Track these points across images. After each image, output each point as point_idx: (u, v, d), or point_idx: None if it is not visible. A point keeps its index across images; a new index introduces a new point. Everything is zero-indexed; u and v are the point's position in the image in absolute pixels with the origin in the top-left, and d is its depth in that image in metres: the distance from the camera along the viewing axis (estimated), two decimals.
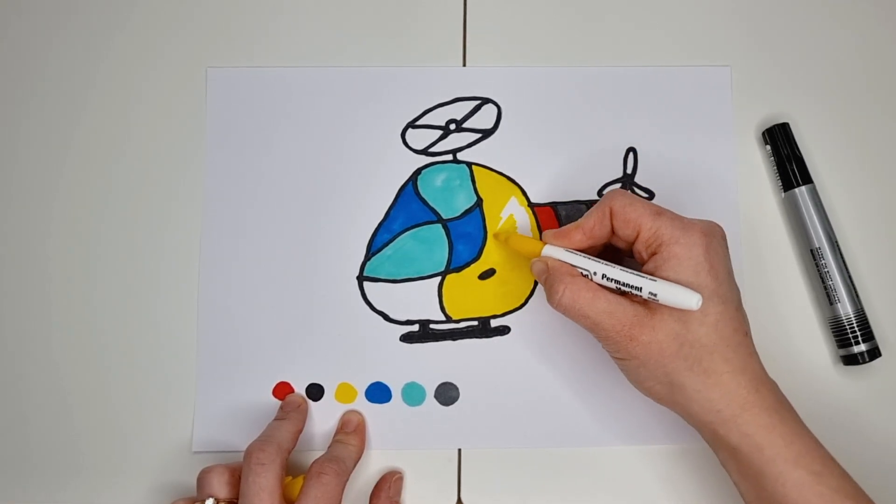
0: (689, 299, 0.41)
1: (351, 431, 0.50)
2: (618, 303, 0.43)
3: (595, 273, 0.44)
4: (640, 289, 0.42)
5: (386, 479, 0.50)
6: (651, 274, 0.43)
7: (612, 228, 0.45)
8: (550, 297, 0.44)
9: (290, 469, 0.50)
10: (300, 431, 0.49)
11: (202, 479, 0.46)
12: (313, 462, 0.46)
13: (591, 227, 0.45)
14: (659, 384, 0.43)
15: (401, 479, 0.51)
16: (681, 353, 0.42)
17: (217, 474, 0.46)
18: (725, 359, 0.42)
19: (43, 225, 0.53)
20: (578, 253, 0.46)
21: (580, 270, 0.45)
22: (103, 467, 0.51)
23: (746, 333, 0.44)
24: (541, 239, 0.47)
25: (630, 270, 0.43)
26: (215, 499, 0.45)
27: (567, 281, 0.44)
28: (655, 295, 0.42)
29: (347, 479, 0.46)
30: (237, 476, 0.46)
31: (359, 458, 0.50)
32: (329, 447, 0.49)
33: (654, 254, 0.44)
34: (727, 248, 0.45)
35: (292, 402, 0.51)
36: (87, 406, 0.52)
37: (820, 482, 0.41)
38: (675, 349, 0.42)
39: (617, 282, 0.43)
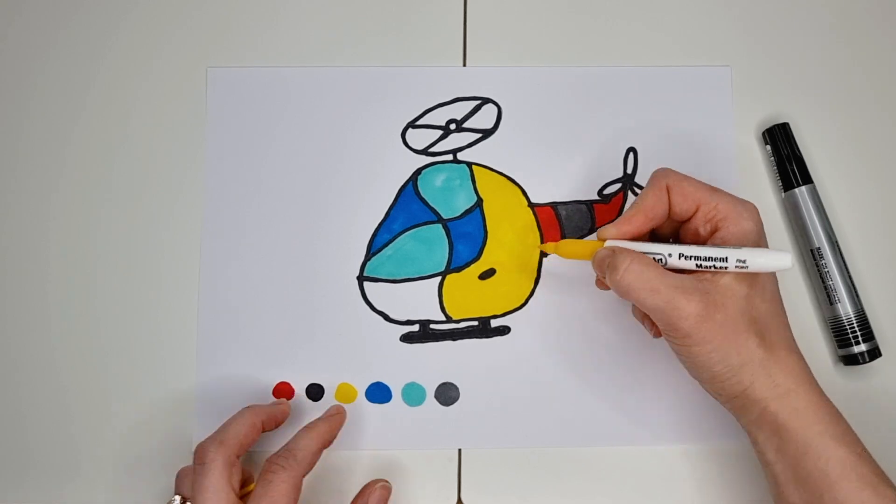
0: (783, 259, 0.41)
1: (323, 419, 0.49)
2: (686, 279, 0.42)
3: (670, 255, 0.43)
4: (725, 259, 0.41)
5: (370, 486, 0.48)
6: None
7: (670, 206, 0.45)
8: (613, 271, 0.43)
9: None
10: (267, 425, 0.48)
11: (177, 477, 0.47)
12: (266, 461, 0.45)
13: (651, 205, 0.44)
14: (727, 367, 0.42)
15: (386, 488, 0.48)
16: (751, 329, 0.42)
17: (186, 474, 0.46)
18: (780, 334, 0.43)
19: (43, 224, 0.53)
20: (642, 243, 0.44)
21: (652, 256, 0.43)
22: (103, 467, 0.51)
23: (785, 312, 0.45)
24: (599, 235, 0.46)
25: (705, 246, 0.42)
26: (182, 497, 0.46)
27: (631, 256, 0.42)
28: (744, 262, 0.41)
29: (303, 473, 0.45)
30: None
31: (320, 446, 0.47)
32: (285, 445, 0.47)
33: (715, 230, 0.44)
34: None
35: (277, 400, 0.51)
36: (87, 405, 0.52)
37: (862, 463, 0.41)
38: (745, 326, 0.42)
39: (698, 258, 0.42)
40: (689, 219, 0.45)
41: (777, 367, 0.42)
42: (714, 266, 0.42)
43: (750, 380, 0.42)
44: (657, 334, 0.48)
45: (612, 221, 0.45)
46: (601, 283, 0.49)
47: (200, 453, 0.45)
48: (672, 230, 0.47)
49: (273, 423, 0.49)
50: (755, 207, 0.44)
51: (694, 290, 0.41)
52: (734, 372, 0.42)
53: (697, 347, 0.42)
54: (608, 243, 0.45)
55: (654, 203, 0.44)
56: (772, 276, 0.44)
